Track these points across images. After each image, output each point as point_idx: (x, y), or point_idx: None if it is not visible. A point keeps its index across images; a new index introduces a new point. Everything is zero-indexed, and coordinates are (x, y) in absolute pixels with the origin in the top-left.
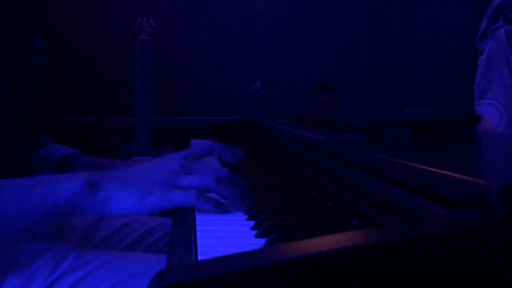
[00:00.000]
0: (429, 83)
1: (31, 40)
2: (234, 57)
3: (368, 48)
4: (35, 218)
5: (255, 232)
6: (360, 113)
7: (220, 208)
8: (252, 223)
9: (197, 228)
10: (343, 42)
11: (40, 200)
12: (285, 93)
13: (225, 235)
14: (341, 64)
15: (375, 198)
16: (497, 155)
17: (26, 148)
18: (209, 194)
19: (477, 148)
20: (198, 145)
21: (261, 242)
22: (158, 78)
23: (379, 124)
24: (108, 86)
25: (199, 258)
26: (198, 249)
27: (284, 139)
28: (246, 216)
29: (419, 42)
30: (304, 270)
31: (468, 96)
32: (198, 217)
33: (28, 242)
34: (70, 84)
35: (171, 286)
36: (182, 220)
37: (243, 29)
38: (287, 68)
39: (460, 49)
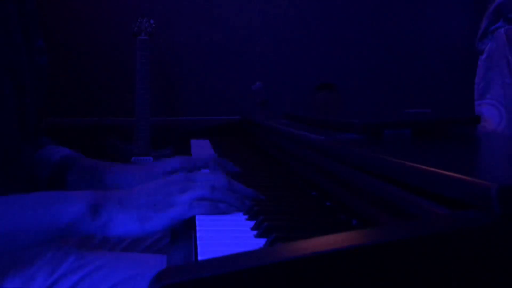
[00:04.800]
0: (429, 83)
1: (34, 41)
2: (234, 57)
3: (368, 48)
4: (36, 238)
5: (255, 232)
6: (360, 113)
7: (217, 209)
8: (252, 223)
9: (197, 228)
10: (343, 42)
11: (42, 221)
12: (285, 93)
13: (225, 235)
14: (341, 64)
15: (375, 198)
16: (497, 155)
17: (28, 148)
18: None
19: (477, 148)
20: (198, 144)
21: (261, 242)
22: (158, 78)
23: (379, 124)
24: (108, 86)
25: (199, 258)
26: (198, 249)
27: (284, 139)
28: (246, 216)
29: (419, 42)
30: (304, 270)
31: (468, 96)
32: (198, 217)
33: None
34: (70, 84)
35: (171, 286)
36: None
37: (243, 29)
38: (287, 68)
39: (460, 49)
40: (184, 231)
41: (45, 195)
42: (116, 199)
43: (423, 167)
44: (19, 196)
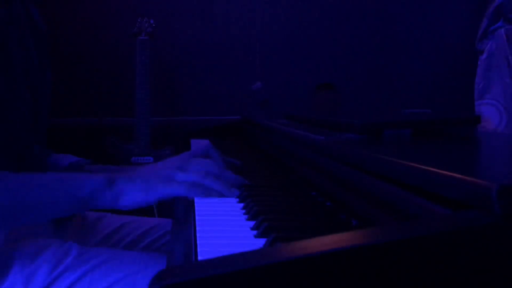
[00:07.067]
0: (429, 83)
1: (44, 49)
2: (234, 57)
3: (368, 48)
4: (63, 206)
5: (255, 232)
6: (360, 113)
7: (210, 195)
8: (252, 223)
9: (197, 228)
10: (342, 42)
11: (69, 191)
12: (285, 93)
13: (225, 235)
14: (341, 64)
15: (375, 198)
16: (497, 155)
17: (38, 149)
18: None
19: (477, 148)
20: (198, 144)
21: (261, 242)
22: (158, 78)
23: (379, 124)
24: (108, 86)
25: (199, 258)
26: (198, 249)
27: (284, 139)
28: (246, 216)
29: (419, 42)
30: (304, 270)
31: (468, 96)
32: (198, 217)
33: (30, 239)
34: (70, 84)
35: (171, 286)
36: (182, 220)
37: (243, 29)
38: (287, 68)
39: (460, 49)
40: (184, 230)
41: (66, 174)
42: (127, 175)
43: (423, 167)
44: (46, 173)
